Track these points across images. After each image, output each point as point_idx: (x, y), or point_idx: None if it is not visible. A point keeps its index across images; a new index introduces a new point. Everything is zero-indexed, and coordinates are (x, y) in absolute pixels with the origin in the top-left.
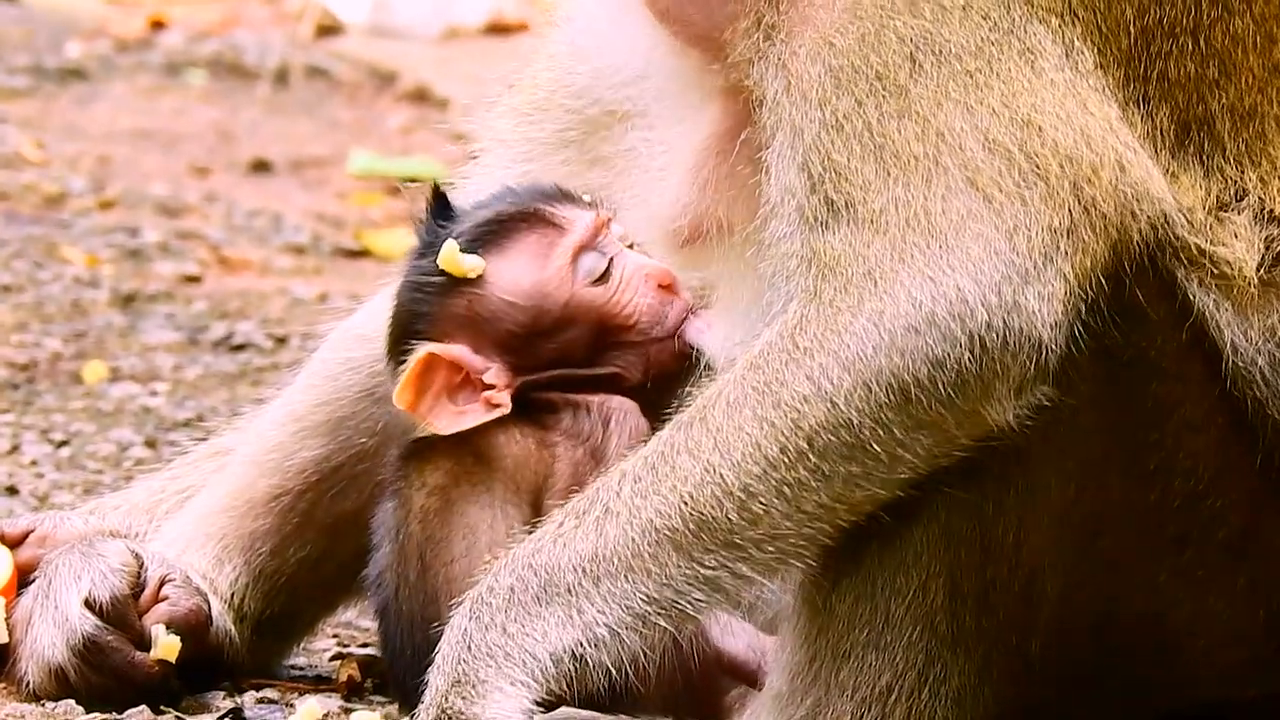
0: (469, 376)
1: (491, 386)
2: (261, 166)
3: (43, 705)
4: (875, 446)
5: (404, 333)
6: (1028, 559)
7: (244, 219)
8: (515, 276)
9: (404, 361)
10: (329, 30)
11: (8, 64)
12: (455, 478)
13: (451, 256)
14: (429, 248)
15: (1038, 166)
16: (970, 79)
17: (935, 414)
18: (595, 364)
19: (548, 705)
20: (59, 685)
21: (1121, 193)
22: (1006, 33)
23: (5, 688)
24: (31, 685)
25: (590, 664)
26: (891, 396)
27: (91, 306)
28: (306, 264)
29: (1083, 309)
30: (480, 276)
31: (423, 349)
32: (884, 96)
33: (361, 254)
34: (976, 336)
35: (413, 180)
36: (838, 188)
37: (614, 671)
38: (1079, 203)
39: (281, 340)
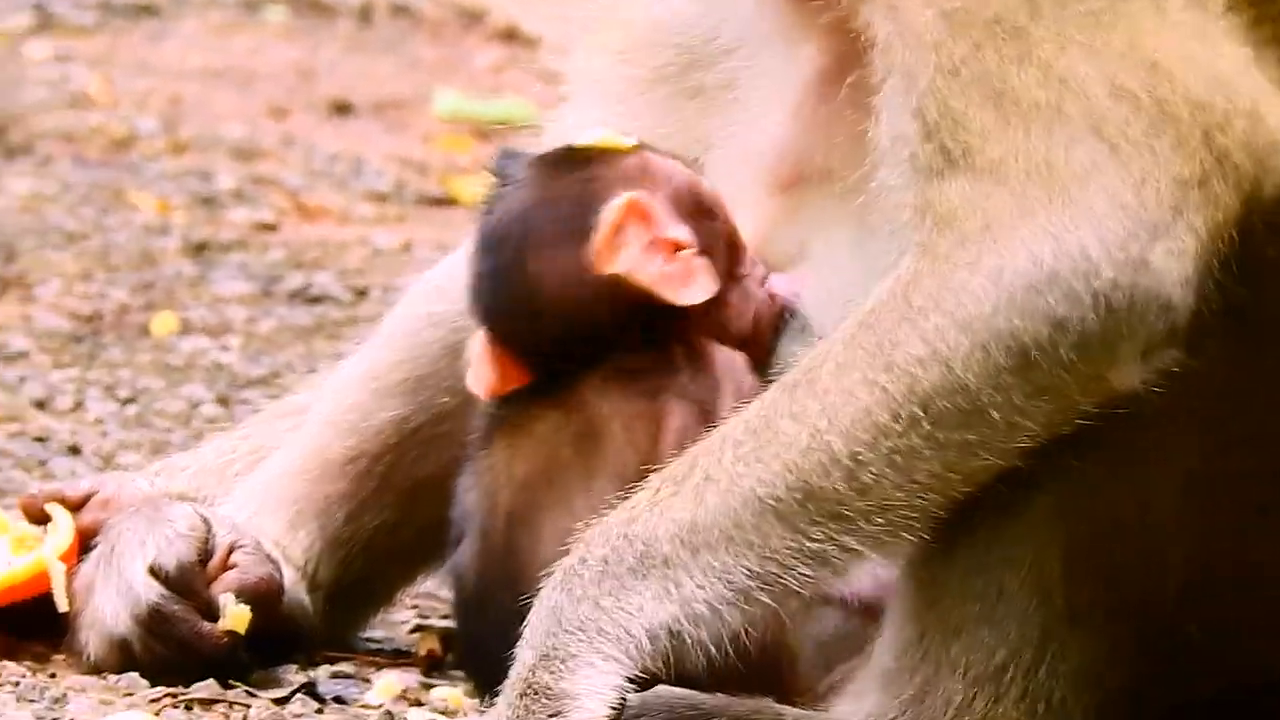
0: (658, 240)
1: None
2: (342, 108)
3: (104, 678)
4: (993, 413)
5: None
6: (1151, 528)
7: (323, 163)
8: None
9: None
10: None
11: None
12: (554, 446)
13: (608, 136)
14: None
15: (1166, 113)
16: (1093, 19)
17: (1057, 378)
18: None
19: (641, 684)
20: (122, 657)
21: (1256, 142)
22: None
23: (65, 659)
24: (93, 657)
25: (688, 641)
26: (1011, 360)
27: (161, 255)
28: (388, 211)
29: (1215, 266)
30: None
31: (621, 196)
32: (1002, 40)
33: (447, 201)
34: (1101, 296)
35: (502, 123)
36: (954, 136)
37: (713, 649)
38: (1210, 152)
39: (361, 292)
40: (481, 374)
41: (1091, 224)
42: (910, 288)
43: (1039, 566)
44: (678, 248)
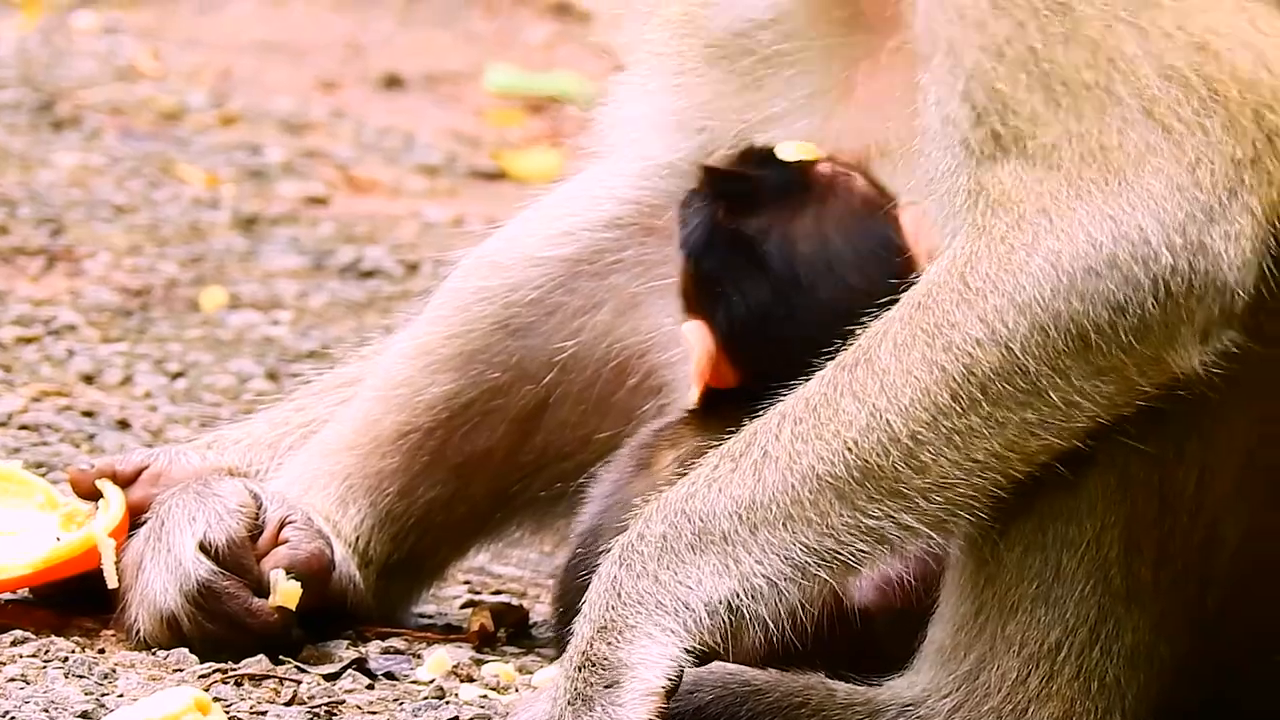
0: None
1: None
2: (393, 81)
3: (154, 654)
4: (1052, 394)
5: None
6: (1209, 508)
7: (374, 137)
8: None
9: None
10: None
11: None
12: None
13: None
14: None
15: (1216, 93)
16: None
17: (1116, 360)
18: None
19: (699, 658)
20: (171, 633)
21: None
22: None
23: (115, 635)
24: (142, 633)
25: (746, 616)
26: (1070, 342)
27: (210, 229)
28: (440, 185)
29: (1272, 246)
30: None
31: (907, 210)
32: (1046, 18)
33: (499, 176)
34: (1160, 280)
35: (554, 98)
36: (1004, 121)
37: (771, 625)
38: (1261, 130)
39: (413, 267)
40: (702, 371)
41: (1149, 207)
42: (967, 268)
43: (1097, 545)
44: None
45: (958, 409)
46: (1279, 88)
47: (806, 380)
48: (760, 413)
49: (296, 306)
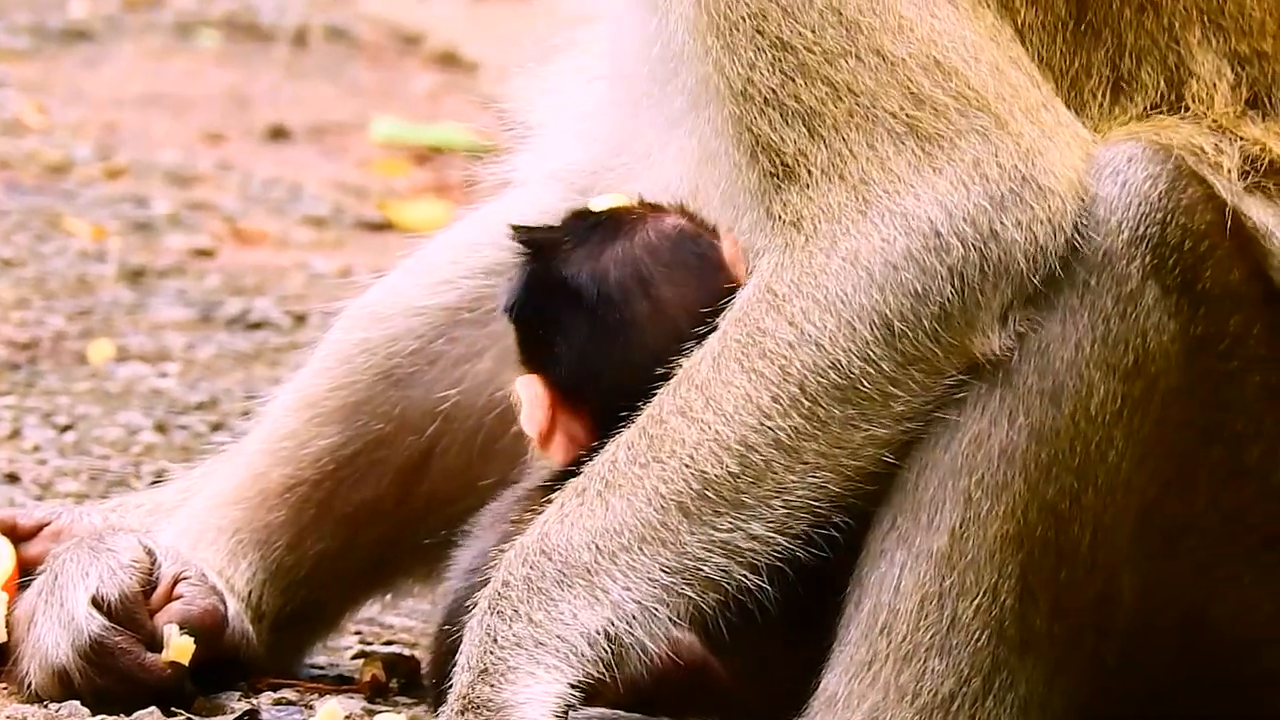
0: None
1: None
2: (279, 133)
3: (46, 707)
4: (866, 385)
5: None
6: (1105, 560)
7: (260, 189)
8: None
9: None
10: None
11: (9, 23)
12: None
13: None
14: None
15: (970, 102)
16: (838, 17)
17: (923, 348)
18: None
19: (586, 692)
20: (63, 687)
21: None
22: None
23: (6, 688)
24: (34, 686)
25: (626, 642)
26: (877, 333)
27: (98, 282)
28: (327, 237)
29: (1151, 285)
30: None
31: (725, 239)
32: (774, 57)
33: (385, 226)
34: (955, 270)
35: (440, 149)
36: (773, 160)
37: (651, 648)
38: (1033, 124)
39: (300, 318)
40: (537, 425)
41: (938, 202)
42: (773, 279)
43: (993, 595)
44: None
45: (779, 409)
46: (1022, 84)
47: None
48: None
49: (184, 359)
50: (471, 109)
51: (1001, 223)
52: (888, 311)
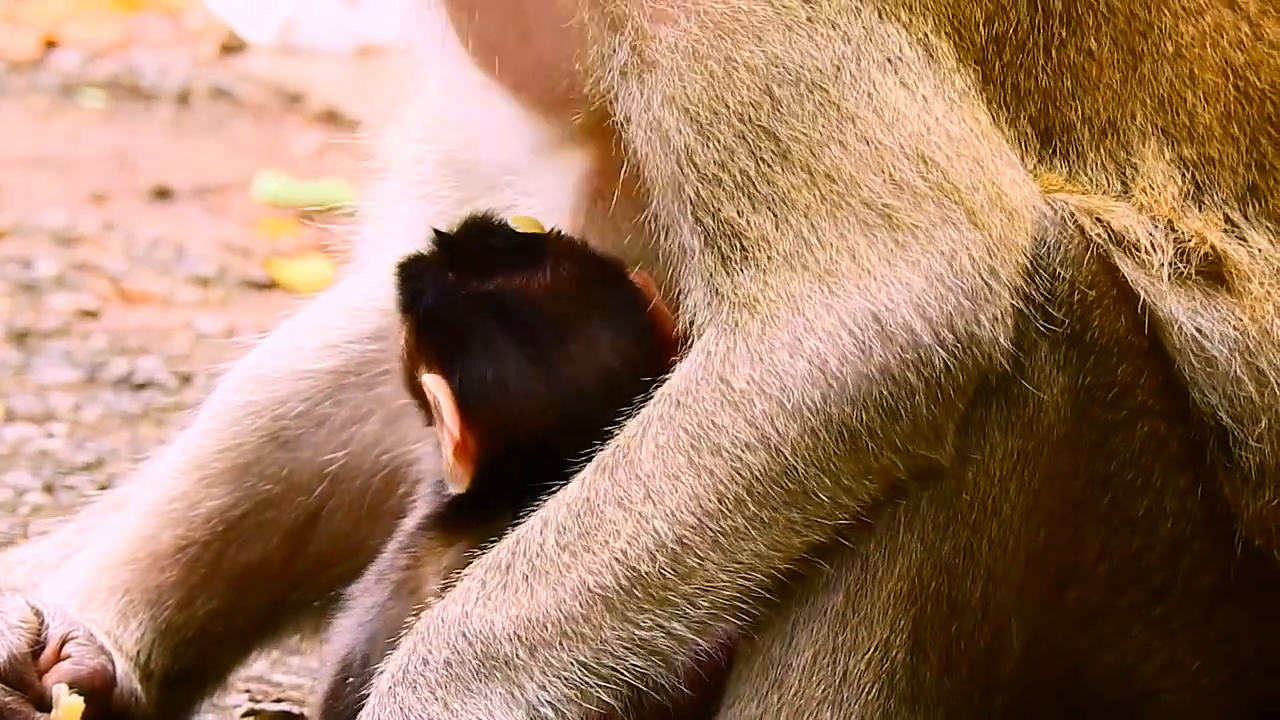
0: None
1: None
2: (163, 193)
3: None
4: (819, 495)
5: None
6: (995, 611)
7: (145, 249)
8: None
9: None
10: (233, 49)
11: None
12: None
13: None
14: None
15: (945, 192)
16: (836, 110)
17: (887, 460)
18: None
19: None
20: None
21: (1027, 198)
22: (861, 42)
23: None
24: None
25: None
26: (843, 446)
27: None
28: (212, 296)
29: (1042, 340)
30: None
31: (637, 273)
32: (754, 142)
33: (270, 285)
34: (934, 383)
35: (325, 206)
36: (734, 245)
37: None
38: (1000, 212)
39: (186, 378)
40: (457, 424)
41: (912, 302)
42: (726, 368)
43: (885, 650)
44: None
45: (723, 511)
46: (1001, 182)
47: (564, 476)
48: (515, 517)
49: (71, 419)
50: (356, 165)
51: (980, 321)
52: (858, 425)
